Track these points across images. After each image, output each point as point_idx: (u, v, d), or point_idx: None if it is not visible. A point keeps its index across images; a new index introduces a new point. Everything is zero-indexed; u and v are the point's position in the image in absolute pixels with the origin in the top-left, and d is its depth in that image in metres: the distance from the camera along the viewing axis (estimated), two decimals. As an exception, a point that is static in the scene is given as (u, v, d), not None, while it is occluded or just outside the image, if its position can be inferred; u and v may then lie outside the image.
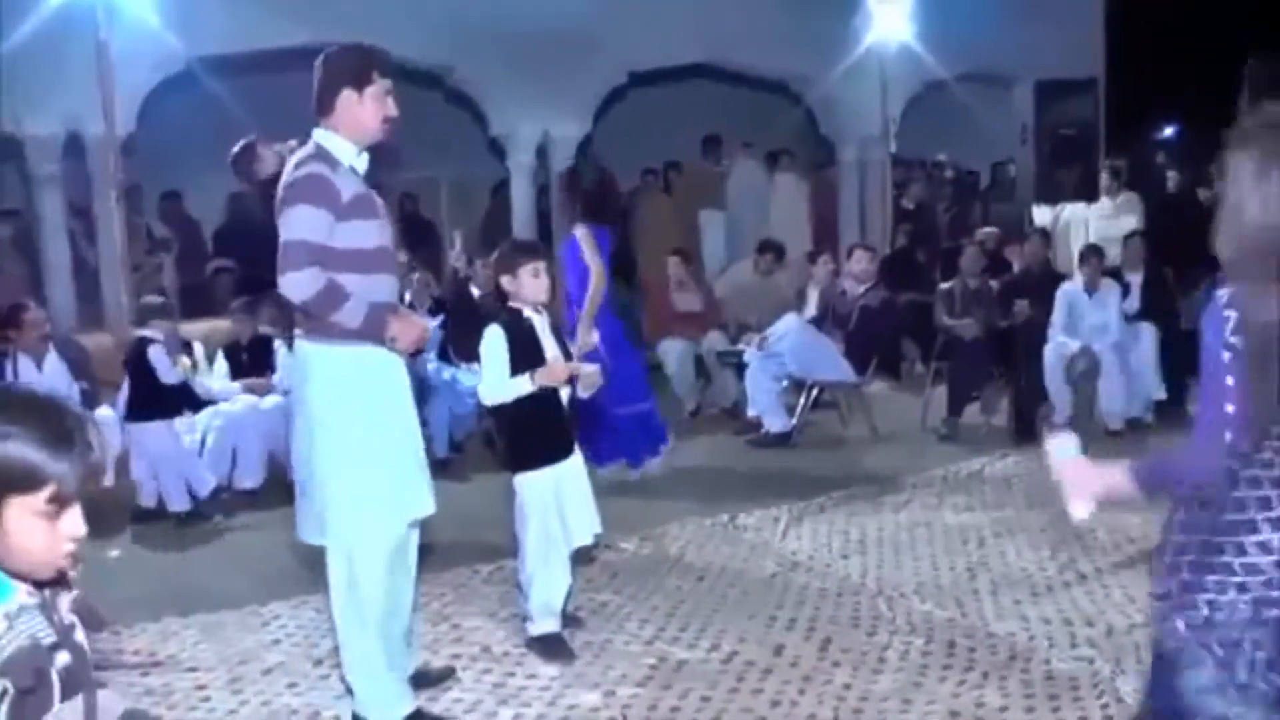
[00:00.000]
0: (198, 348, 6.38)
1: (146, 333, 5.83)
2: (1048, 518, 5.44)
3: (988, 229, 9.54)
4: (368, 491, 3.24)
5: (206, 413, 6.19)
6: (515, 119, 9.34)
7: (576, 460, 3.93)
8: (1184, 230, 8.65)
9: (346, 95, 3.27)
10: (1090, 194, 8.98)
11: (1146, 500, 2.28)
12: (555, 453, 3.83)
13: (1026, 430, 7.19)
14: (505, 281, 3.85)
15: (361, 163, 3.34)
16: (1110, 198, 9.14)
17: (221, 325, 6.82)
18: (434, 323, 3.65)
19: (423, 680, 3.65)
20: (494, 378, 3.73)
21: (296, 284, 3.12)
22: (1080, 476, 2.24)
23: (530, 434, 3.71)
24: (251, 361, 6.48)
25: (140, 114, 7.84)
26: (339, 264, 3.18)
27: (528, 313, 3.81)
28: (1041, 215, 9.68)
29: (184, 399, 5.91)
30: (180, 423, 6.00)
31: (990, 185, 11.38)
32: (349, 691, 3.45)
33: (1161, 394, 7.55)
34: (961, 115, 10.72)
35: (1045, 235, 8.33)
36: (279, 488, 6.19)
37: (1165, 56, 12.11)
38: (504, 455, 4.04)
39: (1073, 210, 9.50)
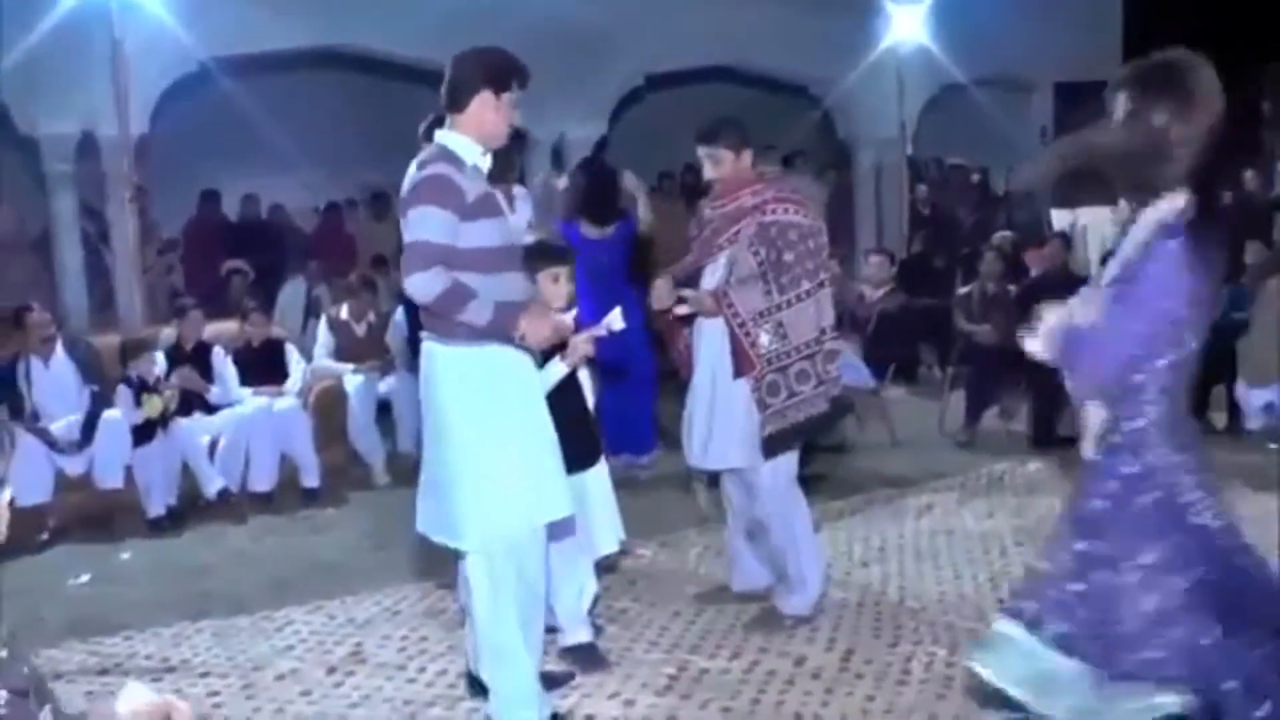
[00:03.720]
0: (217, 352, 6.30)
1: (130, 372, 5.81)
2: (1055, 515, 5.36)
3: (1005, 233, 9.44)
4: (501, 493, 3.20)
5: (219, 415, 6.14)
6: (531, 120, 9.24)
7: (601, 467, 3.86)
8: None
9: (484, 96, 3.23)
10: (1110, 198, 8.87)
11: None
12: (581, 460, 3.75)
13: (1046, 436, 7.10)
14: None
15: (486, 163, 3.32)
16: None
17: (231, 327, 6.74)
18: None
19: (547, 683, 3.59)
20: None
21: (421, 284, 3.10)
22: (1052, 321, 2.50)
23: (558, 439, 3.64)
24: (263, 364, 6.41)
25: (154, 114, 7.81)
26: (465, 264, 3.15)
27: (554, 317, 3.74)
28: (1060, 219, 9.58)
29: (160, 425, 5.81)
30: (189, 423, 5.96)
31: (1008, 189, 11.28)
32: (478, 690, 3.45)
33: (1185, 401, 7.45)
34: (979, 118, 10.64)
35: (1065, 239, 8.23)
36: (292, 490, 6.18)
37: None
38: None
39: (1092, 215, 9.40)
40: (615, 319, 3.74)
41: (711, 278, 4.09)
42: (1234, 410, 7.42)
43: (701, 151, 4.11)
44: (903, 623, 4.21)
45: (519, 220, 4.76)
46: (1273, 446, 6.98)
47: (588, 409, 3.85)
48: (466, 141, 3.25)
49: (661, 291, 4.17)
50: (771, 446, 3.98)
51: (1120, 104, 2.40)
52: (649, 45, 9.30)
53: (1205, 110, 2.36)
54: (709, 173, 4.14)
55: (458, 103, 3.24)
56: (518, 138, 4.85)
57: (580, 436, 3.82)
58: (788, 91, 10.85)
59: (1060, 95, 9.71)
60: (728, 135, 4.07)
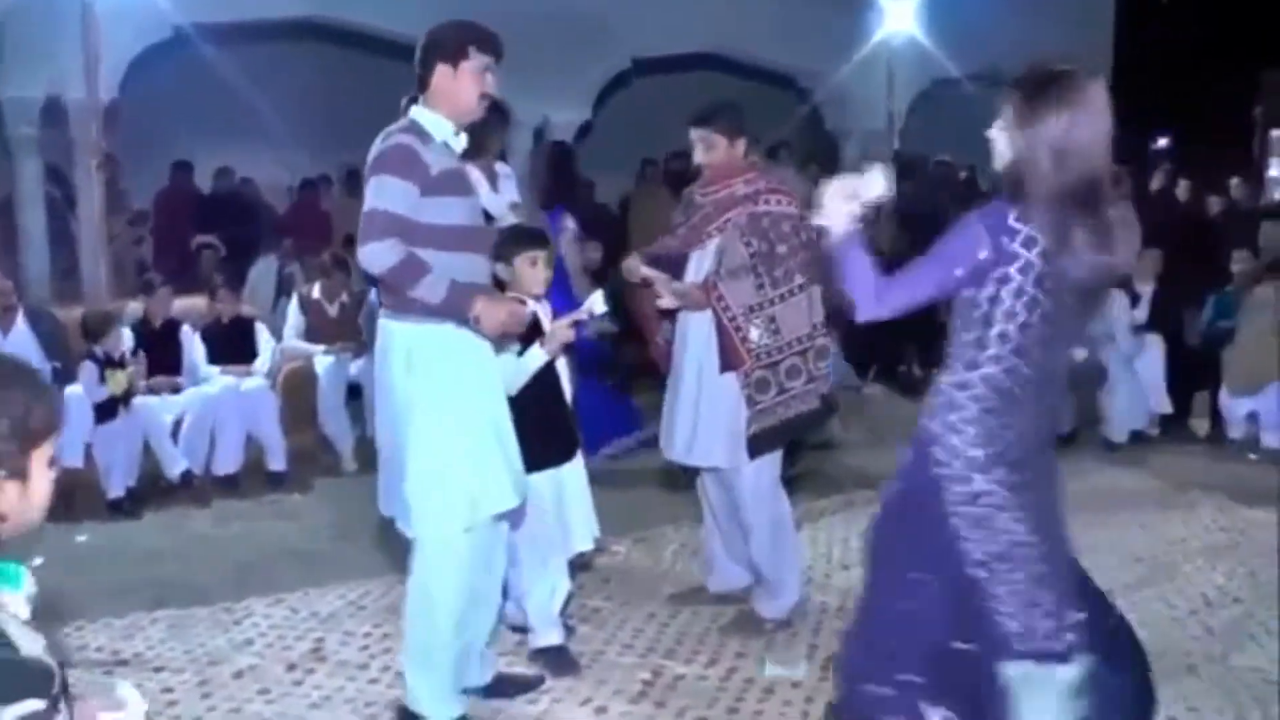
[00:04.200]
0: (185, 330, 6.10)
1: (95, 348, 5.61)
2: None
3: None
4: (443, 479, 3.10)
5: (183, 396, 5.94)
6: (513, 102, 9.08)
7: (578, 463, 3.72)
8: (1191, 239, 8.53)
9: (442, 71, 3.18)
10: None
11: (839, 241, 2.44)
12: (558, 454, 3.62)
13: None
14: (500, 270, 3.64)
15: (459, 141, 3.23)
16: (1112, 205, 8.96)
17: (200, 303, 6.55)
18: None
19: (508, 686, 3.52)
20: (507, 364, 3.50)
21: (375, 254, 3.01)
22: (842, 191, 2.45)
23: (534, 433, 3.48)
24: (232, 343, 6.22)
25: (124, 81, 7.57)
26: (423, 239, 3.05)
27: (530, 305, 3.59)
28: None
29: (122, 404, 5.59)
30: (153, 401, 5.76)
31: (993, 187, 11.19)
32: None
33: (1167, 407, 7.40)
34: (969, 114, 10.49)
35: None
36: (257, 474, 5.99)
37: (1171, 63, 11.94)
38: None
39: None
40: (597, 301, 3.60)
41: (699, 267, 3.94)
42: (1216, 418, 7.38)
43: (694, 134, 3.96)
44: (884, 631, 4.09)
45: (501, 200, 4.59)
46: (1253, 457, 6.94)
47: (565, 401, 3.70)
48: (436, 118, 3.17)
49: (631, 265, 4.03)
50: (758, 445, 3.84)
51: (1007, 110, 2.35)
52: (637, 30, 9.13)
53: (1090, 125, 2.30)
54: (700, 157, 3.99)
55: (422, 79, 3.20)
56: (499, 112, 4.66)
57: (557, 430, 3.68)
58: (777, 82, 10.70)
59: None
60: (723, 119, 3.92)
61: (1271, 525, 5.56)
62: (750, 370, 3.81)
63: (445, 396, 3.10)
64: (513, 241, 3.67)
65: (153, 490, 5.70)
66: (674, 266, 4.04)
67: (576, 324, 3.57)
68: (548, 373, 3.59)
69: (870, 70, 10.08)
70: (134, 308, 6.32)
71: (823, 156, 11.25)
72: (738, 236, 3.83)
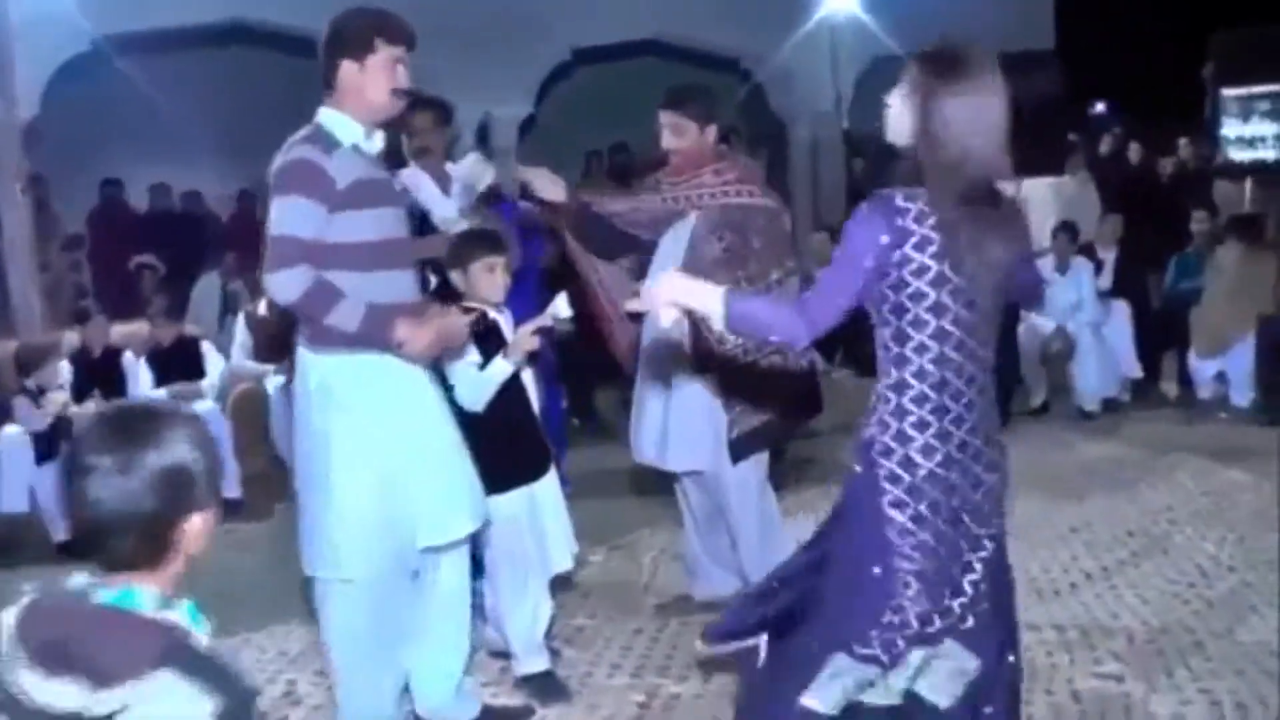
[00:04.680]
0: (128, 357, 5.82)
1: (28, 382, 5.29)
2: (1039, 511, 5.19)
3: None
4: (353, 519, 2.88)
5: (129, 425, 5.65)
6: (453, 97, 8.81)
7: (552, 477, 3.51)
8: (1147, 202, 8.50)
9: (346, 68, 2.92)
10: (1056, 169, 8.75)
11: (728, 329, 2.31)
12: (530, 470, 3.41)
13: (1003, 414, 6.92)
14: (455, 277, 3.42)
15: (373, 143, 2.98)
16: (1072, 174, 8.91)
17: (143, 328, 6.26)
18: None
19: None
20: (469, 379, 3.29)
21: (281, 284, 2.79)
22: (676, 285, 2.29)
23: (503, 450, 3.28)
24: (177, 365, 5.94)
25: (45, 97, 7.22)
26: (334, 260, 2.82)
27: (492, 314, 3.38)
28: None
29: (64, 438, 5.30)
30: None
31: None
32: None
33: (1138, 372, 7.36)
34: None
35: (1014, 212, 8.06)
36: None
37: (1112, 30, 11.94)
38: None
39: (1031, 186, 9.23)
40: (561, 306, 3.40)
41: (670, 253, 3.75)
42: (1185, 380, 7.35)
43: (664, 118, 3.75)
44: (882, 629, 3.94)
45: (451, 204, 4.36)
46: (1223, 416, 6.92)
47: (534, 414, 3.49)
48: (343, 119, 2.92)
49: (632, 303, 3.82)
50: (740, 448, 3.67)
51: (904, 84, 2.26)
52: (576, 19, 8.92)
53: (986, 109, 2.21)
54: (668, 142, 3.78)
55: (326, 78, 2.95)
56: (441, 109, 4.43)
57: (527, 445, 3.48)
58: (720, 66, 10.53)
59: (1002, 65, 9.46)
60: (695, 104, 3.73)
61: (1250, 486, 5.53)
62: (727, 371, 3.63)
63: (360, 430, 2.87)
64: (467, 246, 3.46)
65: (102, 529, 5.41)
66: (616, 236, 3.83)
67: (540, 331, 3.36)
68: (512, 384, 3.38)
69: (813, 49, 9.95)
70: (71, 337, 6.02)
71: (771, 139, 11.13)
72: (709, 230, 3.65)
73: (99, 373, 5.70)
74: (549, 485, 3.51)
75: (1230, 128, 8.70)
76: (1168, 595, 4.18)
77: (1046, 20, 11.71)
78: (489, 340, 3.33)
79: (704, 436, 3.70)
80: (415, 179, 4.20)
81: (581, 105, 9.86)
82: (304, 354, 2.97)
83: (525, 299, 4.30)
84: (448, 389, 3.21)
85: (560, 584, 4.26)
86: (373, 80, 2.91)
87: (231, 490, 5.73)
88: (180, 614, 1.44)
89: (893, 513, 2.23)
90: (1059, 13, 11.79)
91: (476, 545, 3.26)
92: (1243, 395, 6.93)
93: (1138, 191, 8.54)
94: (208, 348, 6.15)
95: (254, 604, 4.43)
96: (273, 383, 6.17)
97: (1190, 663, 3.58)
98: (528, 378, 3.48)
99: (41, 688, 1.34)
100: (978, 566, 2.29)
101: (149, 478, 1.39)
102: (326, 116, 2.93)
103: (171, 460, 1.41)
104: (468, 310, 3.32)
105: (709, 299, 2.24)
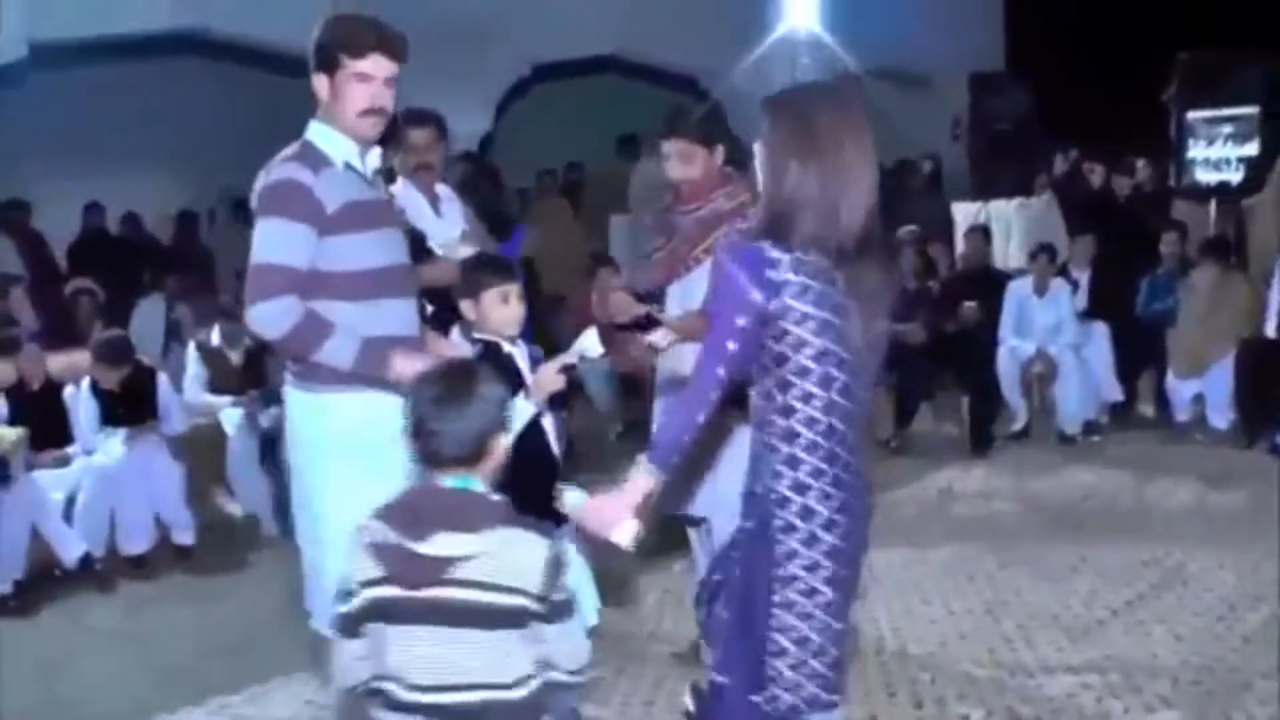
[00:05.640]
0: (69, 392, 5.36)
1: None
2: (1041, 540, 5.03)
3: (909, 227, 9.13)
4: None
5: (75, 467, 5.20)
6: (408, 115, 8.51)
7: (572, 528, 3.20)
8: (1115, 223, 8.47)
9: (319, 82, 2.66)
10: (1025, 190, 8.70)
11: (665, 475, 2.22)
12: (553, 521, 3.10)
13: (984, 439, 6.82)
14: (466, 308, 3.11)
15: (370, 160, 2.70)
16: (1038, 195, 8.88)
17: (84, 359, 5.76)
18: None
19: None
20: None
21: (266, 318, 2.53)
22: (608, 510, 2.25)
23: (521, 501, 2.96)
24: (126, 401, 5.47)
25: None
26: (324, 290, 2.56)
27: (506, 348, 3.08)
28: (964, 212, 9.34)
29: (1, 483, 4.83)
30: (37, 477, 5.02)
31: (900, 183, 11.03)
32: None
33: (1118, 395, 7.28)
34: (877, 111, 10.31)
35: (985, 233, 7.97)
36: (168, 551, 5.28)
37: (1061, 51, 12.03)
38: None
39: (995, 209, 9.19)
40: (592, 343, 3.10)
41: (684, 295, 3.49)
42: (1161, 401, 7.30)
43: (669, 147, 3.47)
44: (915, 675, 3.72)
45: (446, 227, 4.03)
46: (1200, 439, 6.86)
47: (555, 458, 3.19)
48: (333, 134, 2.64)
49: (622, 301, 3.55)
50: None
51: (759, 138, 2.21)
52: (535, 33, 8.67)
53: (849, 161, 2.14)
54: (677, 172, 3.50)
55: (313, 92, 2.69)
56: (436, 123, 4.10)
57: (549, 492, 3.17)
58: (679, 85, 10.35)
59: (975, 86, 9.45)
60: (704, 128, 3.46)
61: (1247, 512, 5.45)
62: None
63: (359, 479, 2.55)
64: (479, 274, 3.13)
65: (46, 581, 4.93)
66: (652, 299, 3.60)
67: (566, 369, 3.05)
68: (531, 426, 3.07)
69: (773, 69, 9.81)
70: (4, 371, 5.53)
71: (729, 160, 10.95)
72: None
73: (37, 409, 5.22)
74: (570, 534, 3.20)
75: (1195, 150, 8.73)
76: (1200, 631, 4.03)
77: (997, 43, 11.79)
78: (504, 377, 3.01)
79: (735, 480, 3.43)
80: (408, 197, 3.88)
81: (541, 124, 9.59)
82: (293, 393, 2.70)
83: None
84: None
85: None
86: (343, 97, 2.64)
87: (186, 537, 5.30)
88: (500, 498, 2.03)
89: (790, 566, 2.18)
90: (1009, 36, 11.87)
91: None
92: (1222, 417, 6.88)
93: (1102, 212, 8.51)
94: (162, 379, 5.66)
95: (228, 664, 4.02)
96: (229, 417, 5.75)
97: (1245, 705, 3.42)
98: (547, 419, 3.17)
99: (427, 542, 1.91)
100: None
101: (480, 407, 1.99)
102: (315, 131, 2.67)
103: (491, 396, 2.02)
104: (486, 344, 3.02)
105: (639, 484, 2.20)
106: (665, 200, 3.68)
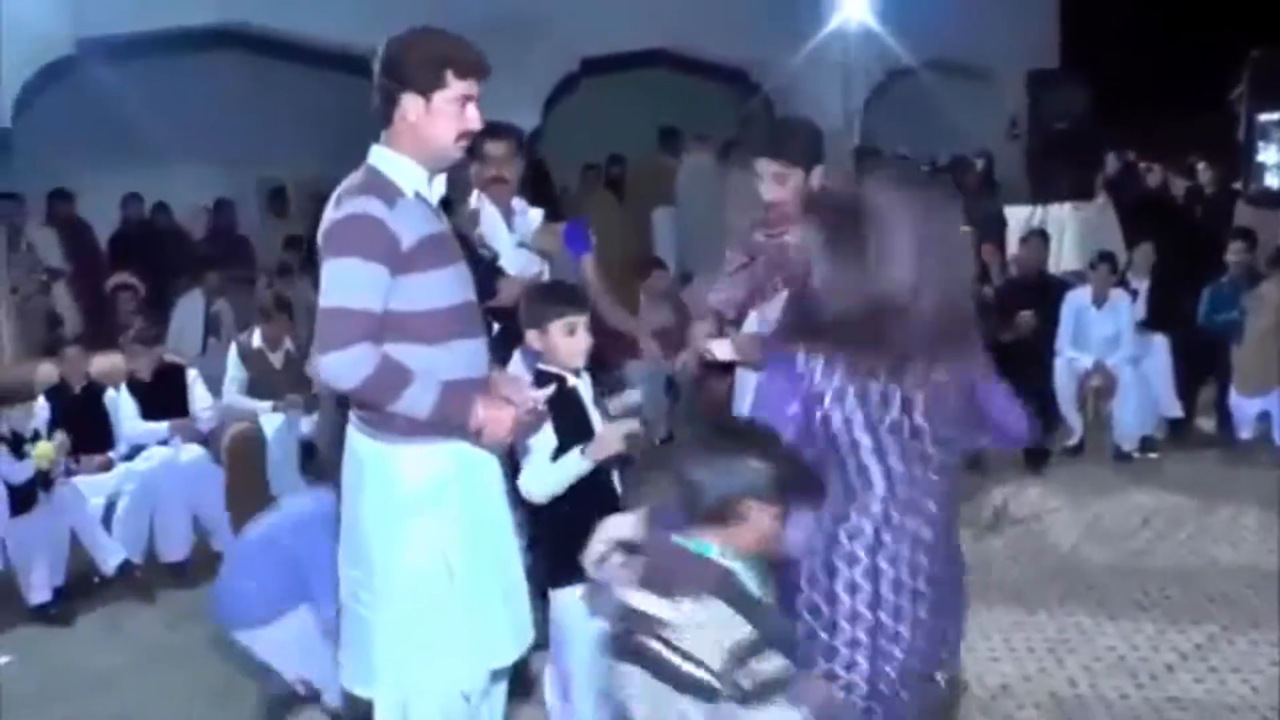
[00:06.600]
0: (110, 395, 5.31)
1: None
2: (1102, 569, 4.84)
3: (962, 229, 8.90)
4: (431, 634, 2.46)
5: (116, 472, 5.14)
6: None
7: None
8: (1173, 227, 8.20)
9: (409, 103, 2.44)
10: (1084, 194, 8.42)
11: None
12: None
13: (1041, 455, 6.61)
14: (532, 338, 2.99)
15: (436, 189, 2.52)
16: (1095, 199, 8.60)
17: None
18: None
19: None
20: (538, 465, 2.86)
21: (340, 368, 2.34)
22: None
23: (578, 537, 2.85)
24: (160, 398, 5.40)
25: (17, 106, 6.68)
26: (401, 332, 2.39)
27: (571, 381, 2.95)
28: (1015, 217, 9.07)
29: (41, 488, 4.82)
30: (77, 483, 4.96)
31: (955, 180, 10.79)
32: None
33: (1178, 411, 7.03)
34: (933, 107, 10.09)
35: (1044, 238, 7.70)
36: (209, 559, 5.20)
37: (1121, 45, 11.70)
38: (538, 566, 3.15)
39: (1051, 212, 8.92)
40: (633, 399, 3.05)
41: (761, 321, 3.34)
42: (1223, 417, 7.04)
43: (764, 167, 3.29)
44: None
45: (523, 253, 3.85)
46: (1265, 460, 6.59)
47: (616, 493, 3.05)
48: (404, 163, 2.46)
49: (719, 348, 3.40)
50: None
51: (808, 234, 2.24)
52: (585, 27, 8.52)
53: (880, 252, 2.07)
54: (771, 194, 3.31)
55: (384, 117, 2.49)
56: (514, 135, 3.91)
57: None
58: (729, 78, 10.17)
59: (1033, 83, 9.17)
60: (803, 149, 3.28)
61: (1316, 540, 5.22)
62: None
63: (436, 534, 2.46)
64: (545, 303, 3.01)
65: (85, 589, 4.89)
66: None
67: (631, 436, 2.90)
68: (599, 475, 2.94)
69: (825, 62, 9.61)
70: (46, 370, 5.49)
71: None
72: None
73: (79, 412, 5.17)
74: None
75: (1266, 154, 8.42)
76: (1275, 681, 3.84)
77: (1052, 37, 11.48)
78: (567, 413, 2.90)
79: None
80: (484, 213, 3.74)
81: (590, 117, 9.45)
82: (360, 439, 2.53)
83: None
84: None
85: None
86: (439, 122, 2.44)
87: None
88: (736, 563, 1.99)
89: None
90: (1065, 31, 11.55)
91: None
92: (1288, 437, 6.62)
93: (1160, 216, 8.23)
94: (193, 375, 5.61)
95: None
96: (270, 422, 5.67)
97: (1330, 769, 3.24)
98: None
99: (635, 596, 1.98)
100: None
101: (716, 477, 1.99)
102: (382, 158, 2.47)
103: (738, 473, 1.98)
104: (549, 376, 2.89)
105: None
106: (755, 217, 3.53)
